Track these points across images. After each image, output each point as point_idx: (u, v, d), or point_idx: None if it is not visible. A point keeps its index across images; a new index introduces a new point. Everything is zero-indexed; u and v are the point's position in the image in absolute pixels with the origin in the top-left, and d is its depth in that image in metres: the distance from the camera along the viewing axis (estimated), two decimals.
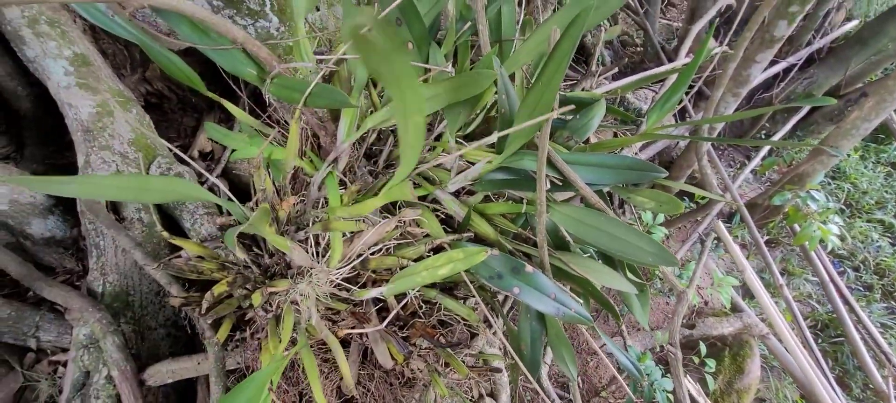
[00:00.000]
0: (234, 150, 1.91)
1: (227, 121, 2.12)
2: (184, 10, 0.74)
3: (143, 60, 1.88)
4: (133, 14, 1.41)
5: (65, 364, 1.51)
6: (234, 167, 1.92)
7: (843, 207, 4.12)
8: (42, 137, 1.66)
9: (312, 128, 1.03)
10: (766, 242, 3.98)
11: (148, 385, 1.33)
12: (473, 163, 1.07)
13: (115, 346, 1.26)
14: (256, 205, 0.98)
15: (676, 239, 3.81)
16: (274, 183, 0.99)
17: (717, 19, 3.64)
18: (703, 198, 3.63)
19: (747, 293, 3.48)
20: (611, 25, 3.99)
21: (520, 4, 1.41)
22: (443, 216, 1.14)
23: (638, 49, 4.44)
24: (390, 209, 1.14)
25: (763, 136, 4.28)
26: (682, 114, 3.72)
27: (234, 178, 1.92)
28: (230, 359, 1.30)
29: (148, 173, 1.56)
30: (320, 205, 1.02)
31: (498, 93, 0.95)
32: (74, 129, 1.44)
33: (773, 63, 3.51)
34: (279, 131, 1.26)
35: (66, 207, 1.53)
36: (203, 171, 1.36)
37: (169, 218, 1.57)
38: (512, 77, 1.23)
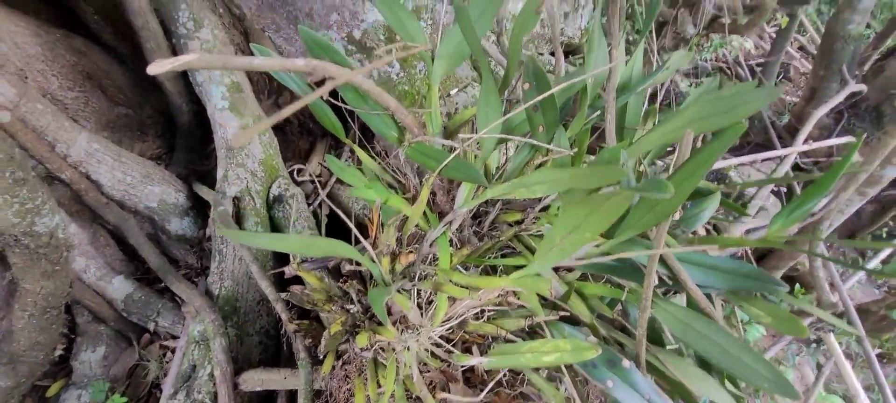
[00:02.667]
0: (348, 185, 2.07)
1: (337, 147, 2.31)
2: (354, 82, 0.84)
3: (278, 88, 2.13)
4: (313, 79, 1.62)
5: (173, 351, 1.69)
6: (336, 194, 2.08)
7: None
8: (189, 146, 1.92)
9: (432, 185, 1.11)
10: (879, 356, 3.47)
11: (239, 389, 1.46)
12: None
13: (221, 348, 1.40)
14: (374, 249, 1.06)
15: (767, 332, 3.45)
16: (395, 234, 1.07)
17: (843, 103, 3.34)
18: (804, 292, 3.27)
19: None
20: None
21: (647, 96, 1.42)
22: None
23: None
24: (489, 271, 1.17)
25: (884, 235, 3.79)
26: (788, 194, 3.42)
27: (336, 201, 2.08)
28: (315, 381, 1.39)
29: (269, 191, 1.75)
30: (429, 260, 1.08)
31: (621, 183, 0.96)
32: (220, 146, 1.65)
33: None
34: (393, 176, 1.36)
35: (199, 210, 1.75)
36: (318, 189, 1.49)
37: (278, 231, 1.74)
38: None
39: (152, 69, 0.72)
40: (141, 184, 1.56)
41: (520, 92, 1.81)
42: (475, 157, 1.06)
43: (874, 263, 3.34)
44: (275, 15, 1.83)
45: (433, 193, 1.14)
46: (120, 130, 1.91)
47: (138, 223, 1.67)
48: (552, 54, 2.88)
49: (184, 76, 1.71)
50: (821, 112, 2.65)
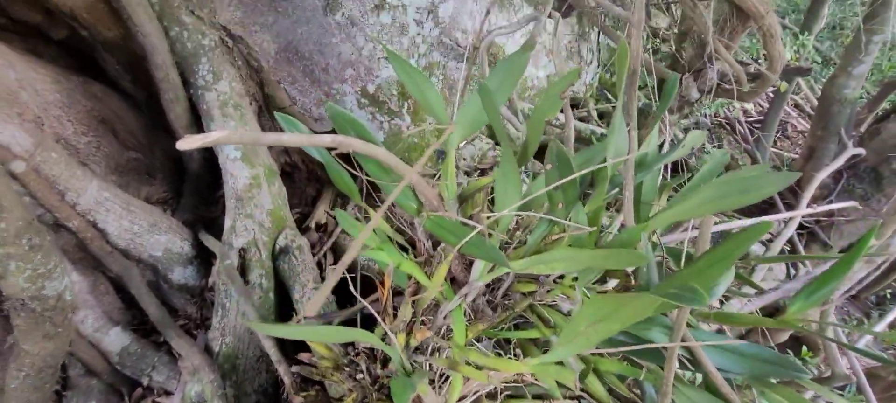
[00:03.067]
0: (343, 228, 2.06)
1: (343, 196, 2.31)
2: (378, 156, 0.84)
3: None
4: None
5: None
6: (343, 242, 2.06)
7: None
8: (197, 191, 1.92)
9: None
10: None
11: None
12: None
13: None
14: (387, 319, 1.03)
15: None
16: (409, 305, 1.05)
17: (841, 166, 3.39)
18: (811, 355, 3.22)
19: None
20: (716, 148, 3.87)
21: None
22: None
23: None
24: (503, 344, 1.15)
25: (887, 296, 3.78)
26: (791, 256, 3.41)
27: (342, 252, 2.05)
28: None
29: (275, 243, 1.73)
30: (443, 333, 1.06)
31: (640, 268, 0.95)
32: (229, 196, 1.65)
33: None
34: (404, 238, 1.35)
35: (203, 259, 1.73)
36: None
37: (281, 285, 1.70)
38: None
39: (182, 145, 0.72)
40: (148, 232, 1.54)
41: (535, 162, 1.83)
42: (490, 233, 1.05)
43: (881, 326, 3.30)
44: (291, 68, 1.86)
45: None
46: (128, 174, 1.90)
47: (140, 271, 1.64)
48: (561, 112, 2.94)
49: (198, 124, 1.72)
50: (822, 175, 2.69)
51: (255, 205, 1.65)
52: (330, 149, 1.23)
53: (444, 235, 0.91)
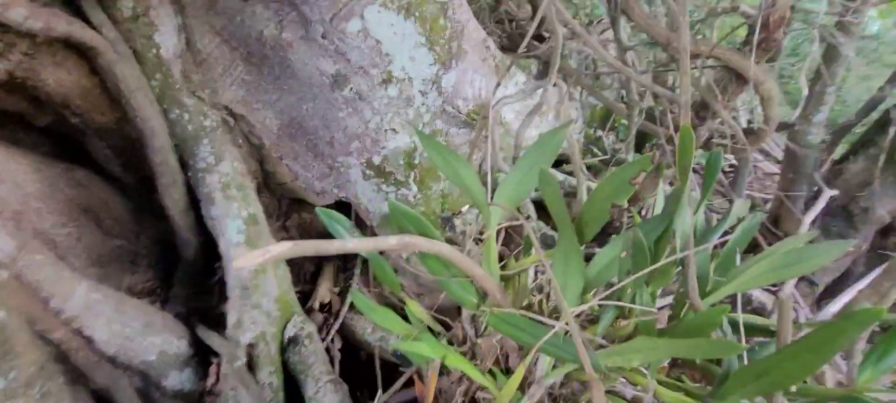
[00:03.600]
0: (352, 305, 1.93)
1: (346, 270, 2.19)
2: (441, 253, 0.77)
3: (287, 210, 2.04)
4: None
5: None
6: (350, 323, 1.92)
7: None
8: (190, 278, 1.75)
9: (506, 347, 1.01)
10: None
11: None
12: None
13: None
14: None
15: None
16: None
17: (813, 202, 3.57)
18: None
19: None
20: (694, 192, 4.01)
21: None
22: None
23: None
24: None
25: None
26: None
27: (349, 333, 1.91)
28: None
29: (283, 332, 1.58)
30: None
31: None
32: (233, 286, 1.50)
33: (882, 256, 3.30)
34: (438, 323, 1.25)
35: (201, 359, 1.54)
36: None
37: (292, 380, 1.54)
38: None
39: (241, 263, 0.62)
40: (140, 335, 1.37)
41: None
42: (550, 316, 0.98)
43: None
44: (294, 143, 1.79)
45: (506, 354, 1.03)
46: (110, 264, 1.72)
47: (129, 378, 1.44)
48: (556, 164, 2.98)
49: (195, 207, 1.59)
50: (808, 218, 2.81)
51: (261, 294, 1.52)
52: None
53: (515, 333, 0.83)
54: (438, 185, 2.02)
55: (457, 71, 1.92)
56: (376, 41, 1.59)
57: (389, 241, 0.72)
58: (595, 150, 3.34)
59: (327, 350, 1.78)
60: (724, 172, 4.12)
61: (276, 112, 1.68)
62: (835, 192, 3.11)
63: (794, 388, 0.86)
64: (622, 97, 3.33)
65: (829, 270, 3.56)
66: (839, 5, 2.31)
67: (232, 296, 1.49)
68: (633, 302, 0.95)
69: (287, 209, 2.03)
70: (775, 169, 4.52)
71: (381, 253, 1.23)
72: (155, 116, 1.40)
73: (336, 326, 1.86)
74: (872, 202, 3.51)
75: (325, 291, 1.99)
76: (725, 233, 1.14)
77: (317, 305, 1.93)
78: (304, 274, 2.14)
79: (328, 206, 1.78)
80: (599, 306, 0.93)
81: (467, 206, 2.28)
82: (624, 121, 3.37)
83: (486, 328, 1.16)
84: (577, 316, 1.06)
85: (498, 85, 1.70)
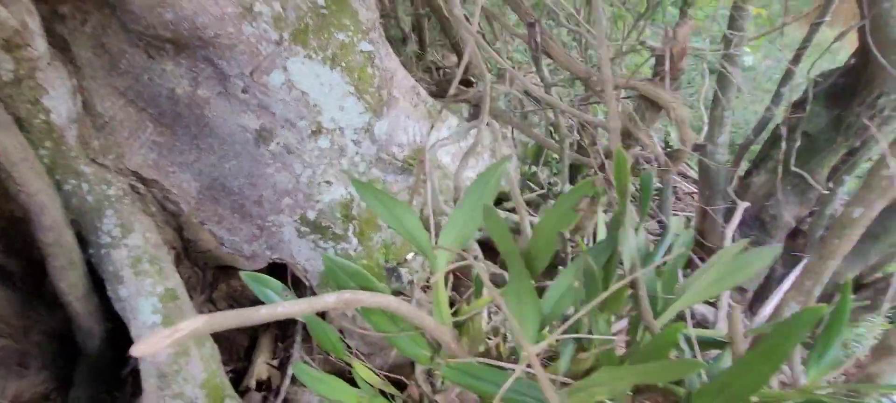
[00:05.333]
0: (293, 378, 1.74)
1: (285, 339, 1.99)
2: (389, 307, 0.70)
3: (213, 282, 1.84)
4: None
5: None
6: (293, 398, 1.72)
7: None
8: (94, 375, 1.50)
9: (465, 398, 0.92)
10: None
11: None
12: None
13: None
14: None
15: None
16: None
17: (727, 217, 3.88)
18: None
19: None
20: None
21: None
22: None
23: (657, 237, 4.64)
24: None
25: None
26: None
27: None
28: None
29: None
30: None
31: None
32: (147, 375, 1.30)
33: (795, 257, 3.63)
34: (382, 380, 1.14)
35: None
36: None
37: None
38: None
39: (141, 350, 0.52)
40: None
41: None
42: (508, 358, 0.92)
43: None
44: (217, 206, 1.65)
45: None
46: None
47: None
48: (498, 202, 3.00)
49: (99, 290, 1.38)
50: (730, 231, 3.04)
51: (183, 380, 1.32)
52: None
53: (474, 384, 0.76)
54: (379, 235, 1.94)
55: (389, 118, 1.90)
56: (302, 92, 1.54)
57: (327, 300, 0.64)
58: (531, 185, 3.43)
59: None
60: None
61: (195, 174, 1.55)
62: (747, 204, 3.42)
63: (754, 398, 0.85)
64: (551, 132, 3.50)
65: (754, 276, 3.85)
66: (721, 43, 2.62)
67: (147, 387, 1.28)
68: (590, 332, 0.92)
69: (213, 279, 1.83)
70: (692, 188, 4.91)
71: (322, 315, 1.11)
72: (44, 190, 1.21)
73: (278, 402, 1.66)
74: (778, 209, 3.88)
75: (262, 366, 1.79)
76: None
77: (253, 383, 1.73)
78: (237, 349, 1.93)
79: (261, 270, 1.64)
80: (558, 341, 0.89)
81: (412, 254, 2.20)
82: (555, 156, 3.52)
83: (443, 382, 1.07)
84: (538, 355, 1.01)
85: (431, 128, 1.69)
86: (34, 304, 1.47)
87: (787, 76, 4.09)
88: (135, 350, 0.51)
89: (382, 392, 1.16)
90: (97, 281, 1.40)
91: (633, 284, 0.94)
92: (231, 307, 1.87)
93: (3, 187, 1.22)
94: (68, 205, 1.30)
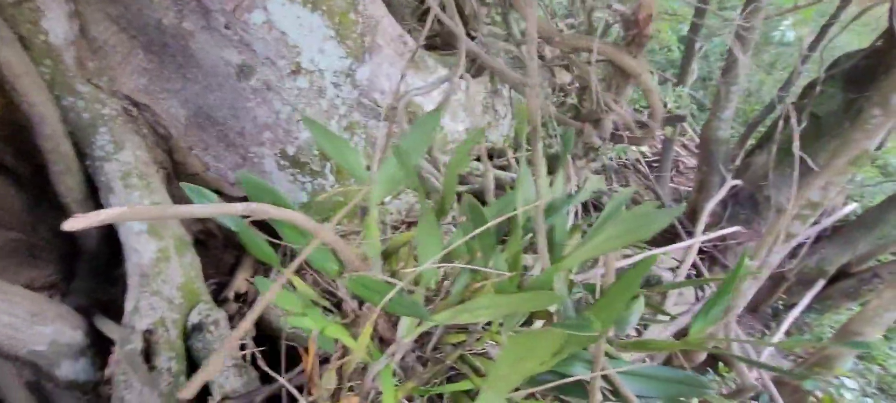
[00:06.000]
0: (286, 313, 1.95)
1: (265, 263, 2.19)
2: (294, 221, 0.83)
3: None
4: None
5: None
6: (266, 310, 1.93)
7: (877, 391, 3.91)
8: (93, 271, 1.72)
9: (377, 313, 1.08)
10: None
11: None
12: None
13: None
14: (316, 392, 0.98)
15: None
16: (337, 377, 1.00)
17: (725, 195, 3.88)
18: (728, 370, 3.49)
19: None
20: (623, 186, 4.27)
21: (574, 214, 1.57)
22: None
23: None
24: (436, 400, 1.13)
25: (780, 307, 4.25)
26: (697, 280, 3.76)
27: (265, 322, 1.92)
28: None
29: (187, 319, 1.59)
30: (371, 398, 1.02)
31: (556, 306, 1.01)
32: (132, 272, 1.50)
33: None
34: (330, 301, 1.31)
35: (99, 349, 1.53)
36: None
37: (195, 367, 1.55)
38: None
39: (70, 225, 0.66)
40: (27, 324, 1.35)
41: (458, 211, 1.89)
42: (416, 284, 1.06)
43: (778, 336, 3.69)
44: (204, 134, 1.80)
45: (378, 322, 1.10)
46: (6, 257, 1.67)
47: (17, 369, 1.41)
48: (478, 159, 3.09)
49: (95, 197, 1.57)
50: (710, 205, 3.06)
51: (162, 281, 1.52)
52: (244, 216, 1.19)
53: (367, 294, 0.91)
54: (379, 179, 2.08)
55: (371, 65, 1.98)
56: (282, 33, 1.63)
57: (235, 208, 0.77)
58: (529, 146, 3.49)
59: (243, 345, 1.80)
60: (650, 166, 4.40)
61: (182, 101, 1.69)
62: (738, 182, 3.40)
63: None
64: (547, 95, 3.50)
65: (738, 255, 3.87)
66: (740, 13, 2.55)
67: (131, 283, 1.49)
68: (486, 265, 1.04)
69: None
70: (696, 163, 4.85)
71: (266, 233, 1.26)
72: (43, 102, 1.38)
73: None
74: (773, 191, 3.84)
75: (241, 281, 2.00)
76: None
77: (231, 295, 1.94)
78: (223, 265, 2.14)
79: (244, 198, 1.81)
80: (452, 271, 1.02)
81: (390, 197, 2.34)
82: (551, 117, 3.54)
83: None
84: (442, 284, 1.15)
85: (403, 76, 1.77)
86: (41, 204, 1.68)
87: (808, 57, 3.92)
88: (67, 225, 0.66)
89: (327, 306, 1.33)
90: (94, 190, 1.59)
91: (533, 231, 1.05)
92: (219, 227, 2.07)
93: (9, 98, 1.39)
94: (66, 120, 1.47)
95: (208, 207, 0.76)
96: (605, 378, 1.06)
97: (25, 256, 1.69)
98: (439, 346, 1.18)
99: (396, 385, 1.02)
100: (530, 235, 1.10)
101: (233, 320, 1.86)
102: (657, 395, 1.09)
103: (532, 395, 1.20)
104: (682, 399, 1.12)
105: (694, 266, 3.47)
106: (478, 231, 0.89)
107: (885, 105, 1.55)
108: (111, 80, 1.55)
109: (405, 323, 1.00)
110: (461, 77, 1.86)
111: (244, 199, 1.80)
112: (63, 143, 1.44)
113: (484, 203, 1.32)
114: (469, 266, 0.97)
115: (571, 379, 1.04)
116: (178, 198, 1.90)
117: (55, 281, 1.76)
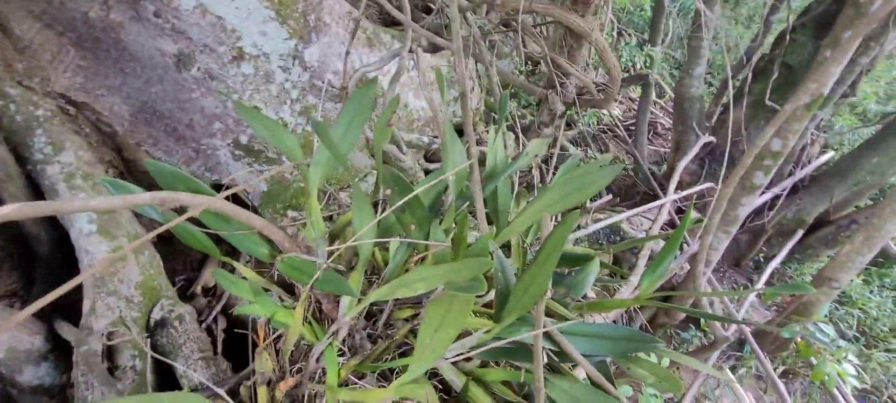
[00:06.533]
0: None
1: (235, 254, 2.18)
2: (212, 207, 0.81)
3: None
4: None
5: None
6: (233, 304, 1.93)
7: (857, 335, 4.00)
8: (52, 276, 1.70)
9: (316, 294, 1.07)
10: (783, 373, 3.80)
11: None
12: (473, 332, 1.09)
13: None
14: (255, 386, 0.98)
15: (688, 370, 3.65)
16: (275, 352, 1.00)
17: (702, 151, 3.88)
18: (707, 327, 3.55)
19: None
20: (602, 153, 4.26)
21: (515, 179, 1.55)
22: (439, 383, 1.13)
23: (629, 172, 4.67)
24: (388, 375, 1.13)
25: (761, 260, 4.31)
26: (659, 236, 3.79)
27: (232, 317, 1.92)
28: None
29: (150, 316, 1.58)
30: (318, 378, 1.02)
31: (495, 269, 1.00)
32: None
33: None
34: (284, 289, 1.30)
35: (61, 353, 1.52)
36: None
37: (161, 364, 1.55)
38: (506, 246, 1.29)
39: None
40: None
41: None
42: (350, 267, 1.05)
43: (759, 285, 3.74)
44: (151, 129, 1.76)
45: (318, 302, 1.10)
46: None
47: None
48: (436, 138, 3.06)
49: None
50: (683, 163, 3.06)
51: (119, 281, 1.50)
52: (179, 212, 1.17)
53: (297, 275, 0.90)
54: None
55: (319, 44, 1.93)
56: (217, 17, 1.58)
57: (143, 198, 0.76)
58: (495, 116, 3.46)
59: (209, 331, 1.80)
60: (627, 130, 4.38)
61: (124, 97, 1.64)
62: (711, 139, 3.40)
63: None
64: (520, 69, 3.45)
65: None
66: None
67: (86, 285, 1.47)
68: (427, 237, 1.04)
69: None
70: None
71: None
72: None
73: (218, 307, 1.87)
74: (747, 145, 3.84)
75: (208, 276, 1.99)
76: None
77: (199, 289, 1.93)
78: (191, 262, 2.12)
79: (217, 187, 1.77)
80: (387, 244, 1.01)
81: (358, 179, 2.32)
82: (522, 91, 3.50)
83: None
84: (372, 255, 1.14)
85: (347, 53, 1.73)
86: None
87: (777, 6, 3.87)
88: None
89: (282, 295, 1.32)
90: (41, 194, 1.55)
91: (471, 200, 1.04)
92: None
93: None
94: None
95: (114, 200, 0.74)
96: (551, 340, 1.07)
97: None
98: (391, 322, 1.18)
99: (342, 363, 1.02)
100: (467, 204, 1.09)
101: (202, 314, 1.86)
102: (605, 353, 1.09)
103: (484, 363, 1.21)
104: (629, 354, 1.13)
105: (670, 224, 3.50)
106: (400, 201, 0.87)
107: (835, 45, 1.53)
108: (43, 81, 1.50)
109: (345, 302, 1.00)
110: (411, 51, 1.82)
111: (217, 188, 1.77)
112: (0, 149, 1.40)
113: None
114: (402, 239, 0.96)
115: (512, 343, 1.04)
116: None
117: (16, 290, 1.74)
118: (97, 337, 1.39)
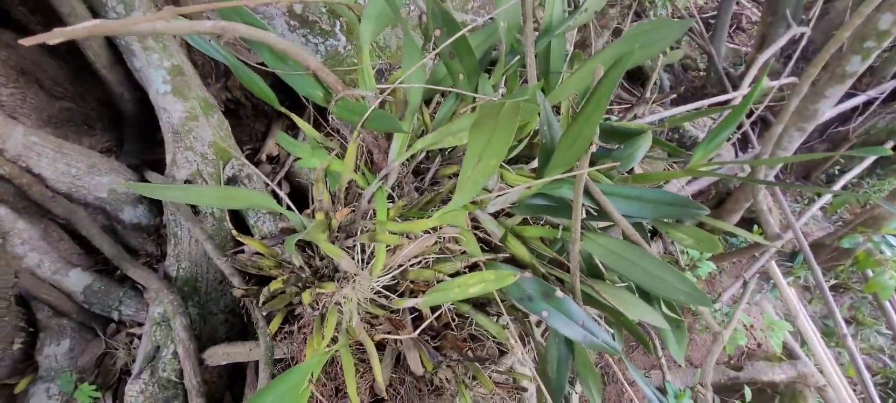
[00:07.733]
0: (297, 158, 2.09)
1: (294, 129, 2.30)
2: (267, 41, 0.86)
3: (226, 71, 2.10)
4: (227, 41, 1.60)
5: (140, 337, 1.71)
6: (296, 172, 2.08)
7: None
8: (139, 135, 1.90)
9: (368, 145, 1.14)
10: (834, 286, 3.68)
11: (206, 364, 1.49)
12: (513, 187, 1.13)
13: (182, 326, 1.43)
14: (314, 213, 1.09)
15: (730, 274, 3.61)
16: (330, 192, 1.10)
17: (792, 48, 3.44)
18: (761, 232, 3.43)
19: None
20: (673, 49, 3.89)
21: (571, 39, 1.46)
22: (481, 235, 1.20)
23: (701, 73, 4.28)
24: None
25: (837, 173, 3.97)
26: (743, 144, 3.54)
27: (295, 182, 2.09)
28: (278, 349, 1.43)
29: (223, 173, 1.75)
30: (369, 217, 1.12)
31: (541, 123, 1.01)
32: (166, 130, 1.64)
33: (851, 95, 3.27)
34: (339, 146, 1.38)
35: (152, 199, 1.75)
36: (267, 180, 1.51)
37: (236, 214, 1.75)
38: (557, 108, 1.27)
39: (28, 41, 0.71)
40: (87, 174, 1.55)
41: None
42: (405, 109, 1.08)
43: (825, 199, 3.50)
44: None
45: (370, 153, 1.17)
46: (64, 125, 1.87)
47: (90, 214, 1.66)
48: None
49: (121, 63, 1.68)
50: (765, 56, 2.74)
51: (194, 138, 1.66)
52: (238, 52, 1.23)
53: (350, 116, 0.95)
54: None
55: None
56: None
57: (205, 25, 0.81)
58: None
59: (275, 194, 1.98)
60: (706, 23, 3.93)
61: None
62: (803, 30, 2.99)
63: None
64: None
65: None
66: None
67: (166, 139, 1.64)
68: (476, 90, 1.04)
69: (226, 69, 2.09)
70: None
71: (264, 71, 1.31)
72: None
73: (282, 173, 2.03)
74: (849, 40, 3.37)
75: (271, 145, 2.14)
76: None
77: (264, 157, 2.09)
78: (255, 133, 2.28)
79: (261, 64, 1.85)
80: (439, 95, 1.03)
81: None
82: None
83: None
84: (421, 112, 1.17)
85: None
86: (82, 74, 1.82)
87: None
88: (44, 38, 0.71)
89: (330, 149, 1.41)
90: (120, 57, 1.68)
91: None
92: (245, 95, 2.16)
93: None
94: None
95: (178, 25, 0.79)
96: (592, 198, 1.09)
97: (81, 124, 1.88)
98: (437, 179, 1.24)
99: (390, 206, 1.10)
100: (517, 59, 1.07)
101: (268, 178, 2.03)
102: (646, 215, 1.10)
103: (525, 221, 1.26)
104: (669, 218, 1.13)
105: (739, 127, 3.25)
106: (450, 39, 0.87)
107: None
108: None
109: (395, 146, 1.05)
110: None
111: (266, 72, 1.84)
112: (78, 6, 1.51)
113: None
114: (452, 89, 0.97)
115: (553, 198, 1.07)
116: (204, 68, 1.99)
117: (110, 146, 1.97)
118: (180, 185, 1.58)
